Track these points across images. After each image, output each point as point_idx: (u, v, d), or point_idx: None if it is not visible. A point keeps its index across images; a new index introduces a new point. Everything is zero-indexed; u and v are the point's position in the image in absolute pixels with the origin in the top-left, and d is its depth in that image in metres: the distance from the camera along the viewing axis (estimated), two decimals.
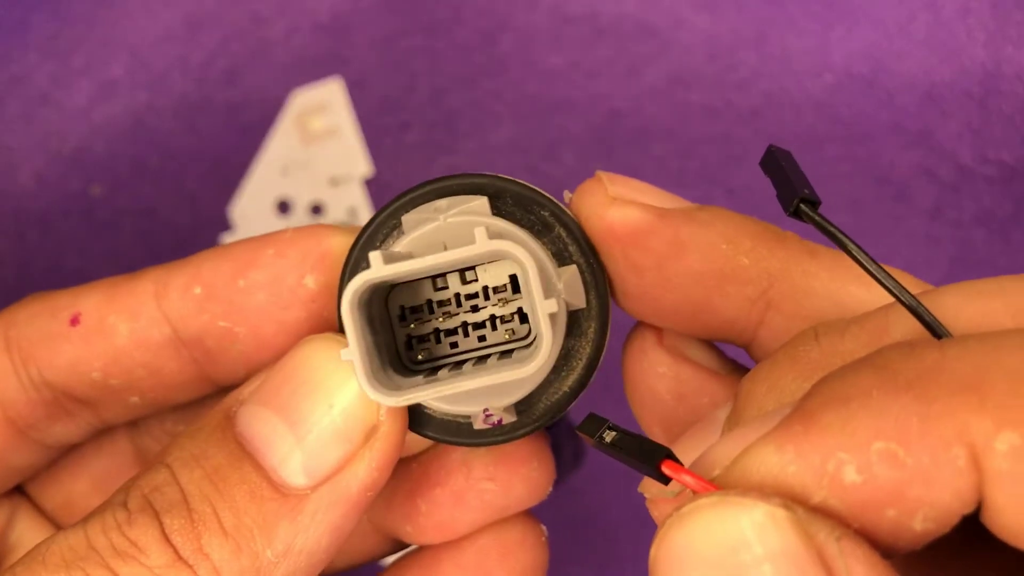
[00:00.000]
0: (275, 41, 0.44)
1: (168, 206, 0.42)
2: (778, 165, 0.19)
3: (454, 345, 0.23)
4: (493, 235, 0.20)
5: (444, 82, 0.44)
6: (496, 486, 0.24)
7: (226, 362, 0.23)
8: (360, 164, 0.42)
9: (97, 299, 0.23)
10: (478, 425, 0.22)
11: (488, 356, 0.22)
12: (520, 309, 0.22)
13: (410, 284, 0.22)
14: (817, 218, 0.19)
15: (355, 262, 0.22)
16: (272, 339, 0.23)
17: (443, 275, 0.23)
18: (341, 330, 0.20)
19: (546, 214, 0.22)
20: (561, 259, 0.22)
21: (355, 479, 0.21)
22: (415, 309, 0.23)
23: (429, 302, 0.23)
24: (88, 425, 0.25)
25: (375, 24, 0.44)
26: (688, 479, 0.17)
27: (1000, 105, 0.43)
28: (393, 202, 0.22)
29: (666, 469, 0.18)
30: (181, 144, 0.43)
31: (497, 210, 0.22)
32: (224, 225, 0.42)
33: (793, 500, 0.16)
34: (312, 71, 0.43)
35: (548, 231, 0.22)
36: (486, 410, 0.21)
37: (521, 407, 0.22)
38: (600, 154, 0.43)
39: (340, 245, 0.22)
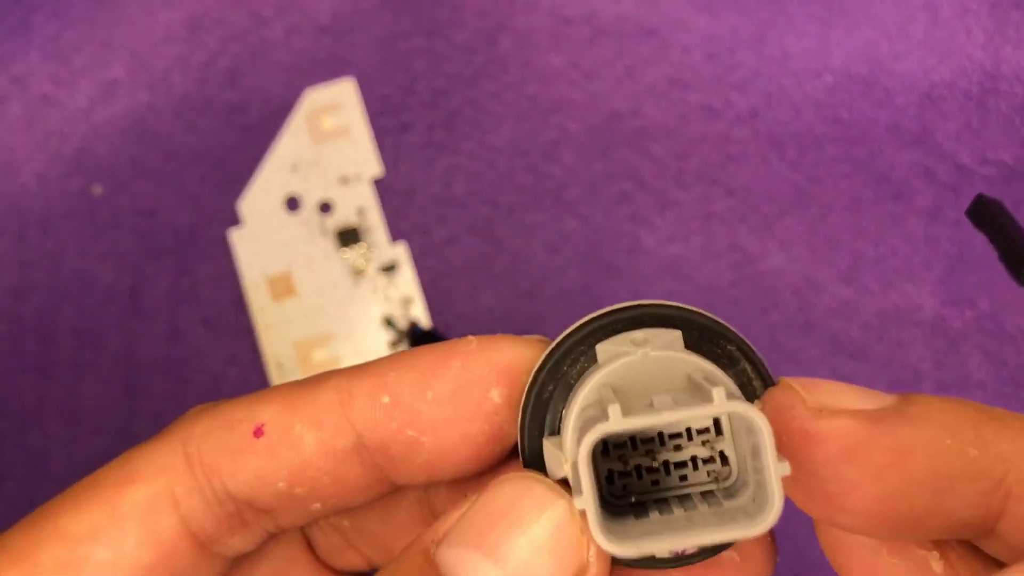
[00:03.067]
0: (275, 42, 0.44)
1: (169, 206, 0.42)
2: (993, 220, 0.17)
3: (655, 483, 0.22)
4: (728, 395, 0.19)
5: (444, 83, 0.44)
6: None
7: (408, 469, 0.23)
8: (371, 164, 0.42)
9: (277, 408, 0.23)
10: (660, 555, 0.21)
11: (689, 495, 0.22)
12: (722, 452, 0.22)
13: None
14: None
15: (542, 384, 0.21)
16: (455, 449, 0.22)
17: None
18: (522, 447, 0.20)
19: (732, 348, 0.21)
20: (747, 394, 0.22)
21: None
22: (619, 445, 0.22)
23: (633, 439, 0.22)
24: (265, 533, 0.25)
25: (375, 25, 0.44)
26: None
27: (999, 105, 0.43)
28: (584, 326, 0.21)
29: None
30: (182, 144, 0.43)
31: (687, 343, 0.21)
32: (233, 220, 0.42)
33: None
34: (312, 71, 0.43)
35: (734, 365, 0.22)
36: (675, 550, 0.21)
37: None
38: (599, 154, 0.43)
39: (524, 358, 0.22)
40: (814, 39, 0.44)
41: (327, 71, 0.43)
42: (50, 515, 0.24)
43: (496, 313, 0.42)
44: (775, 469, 0.19)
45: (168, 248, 0.42)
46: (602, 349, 0.21)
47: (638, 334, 0.21)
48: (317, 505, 0.24)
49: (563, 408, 0.21)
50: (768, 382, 0.22)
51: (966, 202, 0.43)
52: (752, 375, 0.22)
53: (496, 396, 0.21)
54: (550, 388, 0.21)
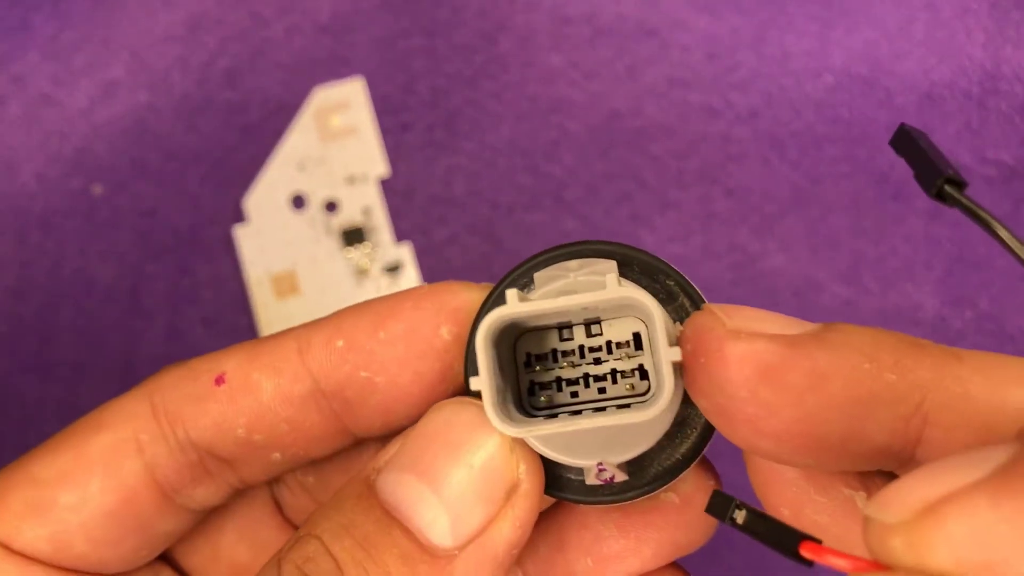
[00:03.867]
0: (275, 41, 0.44)
1: (169, 206, 0.42)
2: (914, 145, 0.17)
3: (575, 395, 0.23)
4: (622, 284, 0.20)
5: (444, 82, 0.44)
6: (631, 542, 0.24)
7: (364, 413, 0.24)
8: (377, 164, 0.42)
9: (239, 359, 0.24)
10: (590, 480, 0.22)
11: (606, 407, 0.23)
12: (641, 366, 0.23)
13: (537, 333, 0.23)
14: (964, 201, 0.17)
15: (487, 312, 0.22)
16: (408, 388, 0.23)
17: (569, 327, 0.23)
18: (468, 379, 0.21)
19: (671, 283, 0.22)
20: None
21: (500, 537, 0.21)
22: (540, 357, 0.23)
23: (554, 351, 0.23)
24: (228, 487, 0.26)
25: (375, 25, 0.44)
26: (838, 561, 0.15)
27: (999, 105, 0.43)
28: (527, 262, 0.23)
29: (805, 552, 0.16)
30: (182, 144, 0.43)
31: (624, 275, 0.22)
32: (234, 219, 0.42)
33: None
34: (312, 71, 0.44)
35: (672, 300, 0.22)
36: (600, 464, 0.22)
37: (633, 469, 0.22)
38: (599, 154, 0.43)
39: (472, 300, 0.23)
40: (814, 39, 0.44)
41: (327, 71, 0.43)
42: (24, 462, 0.25)
43: None
44: (665, 353, 0.20)
45: (168, 248, 0.42)
46: (540, 276, 0.22)
47: (573, 263, 0.22)
48: (277, 455, 0.24)
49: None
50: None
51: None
52: (690, 309, 0.22)
53: (446, 333, 0.22)
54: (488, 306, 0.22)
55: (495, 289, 0.23)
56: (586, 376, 0.23)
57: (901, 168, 0.43)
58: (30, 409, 0.41)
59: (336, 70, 0.43)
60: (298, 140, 0.42)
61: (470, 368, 0.22)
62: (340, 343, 0.23)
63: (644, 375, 0.23)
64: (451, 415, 0.22)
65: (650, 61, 0.44)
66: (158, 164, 0.43)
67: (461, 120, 0.43)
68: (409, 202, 0.43)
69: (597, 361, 0.23)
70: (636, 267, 0.23)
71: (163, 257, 0.42)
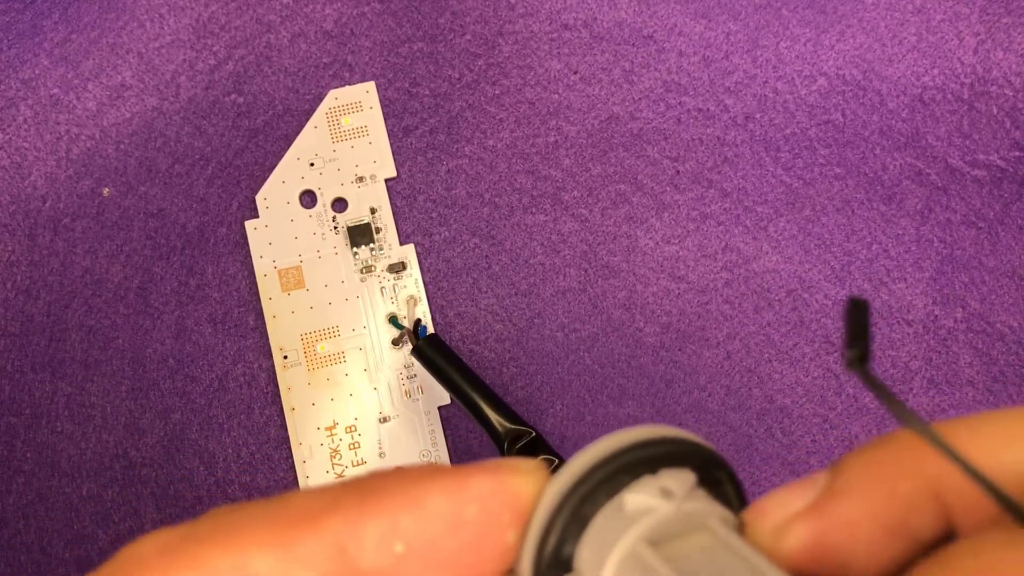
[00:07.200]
0: (281, 47, 0.44)
1: (177, 207, 0.43)
2: (859, 318, 0.18)
3: None
4: None
5: (445, 87, 0.44)
6: None
7: None
8: (386, 166, 0.43)
9: (269, 559, 0.19)
10: None
11: None
12: None
13: None
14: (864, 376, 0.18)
15: (553, 522, 0.20)
16: None
17: None
18: None
19: (721, 474, 0.21)
20: (729, 507, 0.21)
21: None
22: None
23: None
24: None
25: (378, 30, 0.44)
26: None
27: (990, 108, 0.43)
28: (599, 466, 0.20)
29: None
30: (190, 147, 0.43)
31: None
32: (240, 220, 0.42)
33: None
34: (317, 76, 0.44)
35: (718, 486, 0.21)
36: None
37: None
38: (597, 156, 0.43)
39: (530, 493, 0.20)
40: (807, 44, 0.44)
41: (332, 76, 0.44)
42: None
43: (496, 312, 0.42)
44: None
45: (176, 248, 0.42)
46: (633, 501, 0.20)
47: (664, 481, 0.20)
48: None
49: (572, 542, 0.20)
50: (743, 501, 0.21)
51: (957, 203, 0.43)
52: (732, 496, 0.21)
53: (511, 538, 0.20)
54: (560, 524, 0.19)
55: (567, 497, 0.20)
56: None
57: (892, 171, 0.44)
58: (40, 406, 0.41)
59: (340, 74, 0.44)
60: (310, 138, 0.43)
61: (530, 567, 0.20)
62: (399, 548, 0.20)
63: None
64: None
65: (647, 66, 0.44)
66: (166, 166, 0.43)
67: (462, 124, 0.43)
68: (411, 203, 0.43)
69: None
70: (698, 463, 0.20)
71: (171, 257, 0.42)
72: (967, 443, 0.18)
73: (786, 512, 0.20)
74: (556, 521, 0.20)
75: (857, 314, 0.19)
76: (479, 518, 0.20)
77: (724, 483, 0.21)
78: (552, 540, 0.20)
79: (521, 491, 0.20)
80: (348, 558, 0.19)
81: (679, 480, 0.20)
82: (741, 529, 0.20)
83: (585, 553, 0.19)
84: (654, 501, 0.19)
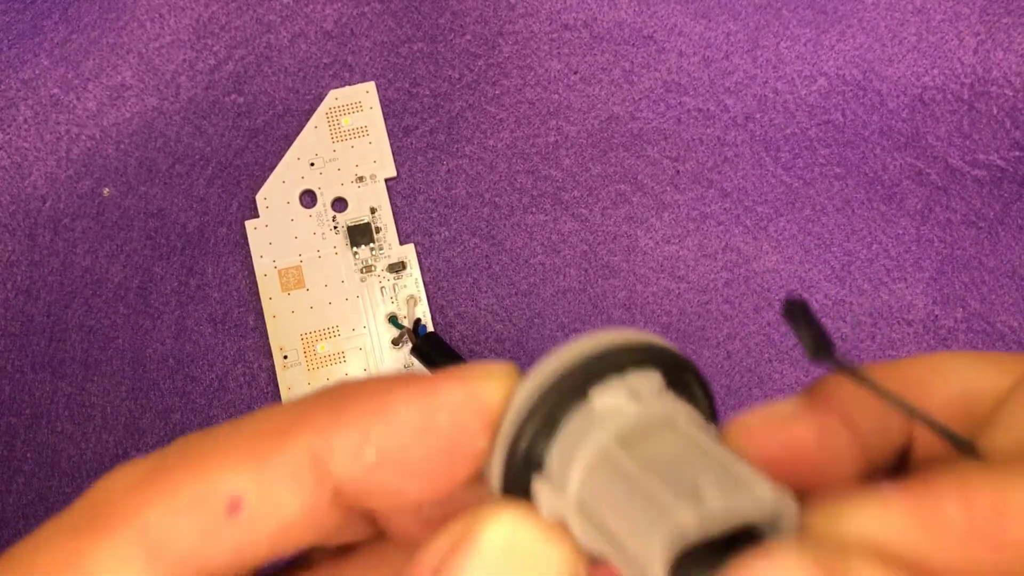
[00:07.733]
0: (281, 47, 0.44)
1: (177, 207, 0.43)
2: (801, 316, 0.19)
3: None
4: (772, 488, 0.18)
5: (445, 87, 0.44)
6: None
7: (388, 515, 0.22)
8: (386, 166, 0.43)
9: (248, 474, 0.20)
10: None
11: None
12: None
13: None
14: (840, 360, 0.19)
15: (524, 426, 0.20)
16: (441, 493, 0.21)
17: None
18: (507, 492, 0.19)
19: (689, 376, 0.21)
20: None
21: None
22: None
23: None
24: None
25: (378, 31, 0.44)
26: None
27: (990, 108, 0.44)
28: (569, 370, 0.20)
29: None
30: (190, 147, 0.43)
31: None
32: (240, 219, 0.43)
33: None
34: (317, 76, 0.44)
35: (687, 389, 0.21)
36: None
37: None
38: (597, 156, 0.43)
39: (500, 399, 0.20)
40: (807, 44, 0.44)
41: (332, 76, 0.44)
42: None
43: (496, 312, 0.43)
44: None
45: (176, 248, 0.42)
46: (598, 401, 0.20)
47: (633, 383, 0.20)
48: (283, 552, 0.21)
49: (542, 444, 0.20)
50: (711, 401, 0.21)
51: (957, 203, 0.43)
52: (700, 397, 0.21)
53: (482, 442, 0.20)
54: (531, 429, 0.20)
55: (538, 403, 0.20)
56: None
57: (893, 171, 0.44)
58: (40, 406, 0.41)
59: (340, 74, 0.44)
60: (311, 138, 0.43)
61: (501, 467, 0.20)
62: (371, 456, 0.20)
63: None
64: (514, 535, 0.19)
65: (647, 66, 0.44)
66: (166, 166, 0.43)
67: (462, 124, 0.44)
68: (411, 203, 0.43)
69: None
70: (665, 367, 0.20)
71: (171, 257, 0.42)
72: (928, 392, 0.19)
73: (765, 421, 0.20)
74: (526, 426, 0.20)
75: (798, 314, 0.19)
76: (449, 426, 0.20)
77: (691, 385, 0.21)
78: (522, 444, 0.20)
79: (491, 397, 0.20)
80: (323, 469, 0.20)
81: (647, 381, 0.20)
82: (710, 431, 0.20)
83: (555, 454, 0.19)
84: (623, 402, 0.19)
